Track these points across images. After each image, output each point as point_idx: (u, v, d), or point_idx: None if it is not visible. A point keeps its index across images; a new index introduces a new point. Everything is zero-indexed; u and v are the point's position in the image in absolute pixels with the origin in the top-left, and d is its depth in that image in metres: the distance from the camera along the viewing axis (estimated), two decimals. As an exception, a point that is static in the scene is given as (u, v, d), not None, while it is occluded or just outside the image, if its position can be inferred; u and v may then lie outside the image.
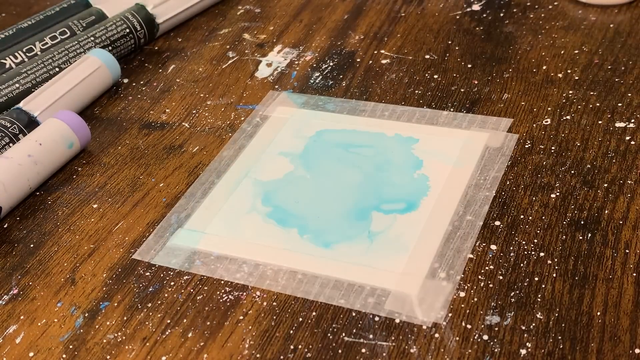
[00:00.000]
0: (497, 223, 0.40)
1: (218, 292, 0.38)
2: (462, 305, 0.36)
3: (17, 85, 0.51)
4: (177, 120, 0.50)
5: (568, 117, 0.46)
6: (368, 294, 0.37)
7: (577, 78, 0.49)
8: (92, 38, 0.54)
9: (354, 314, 0.36)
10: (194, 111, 0.51)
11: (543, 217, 0.40)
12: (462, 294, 0.36)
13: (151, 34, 0.58)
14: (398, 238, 0.40)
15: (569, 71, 0.50)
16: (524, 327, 0.34)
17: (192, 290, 0.38)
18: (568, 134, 0.45)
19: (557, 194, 0.41)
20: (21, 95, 0.51)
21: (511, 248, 0.38)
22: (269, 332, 0.36)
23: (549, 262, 0.37)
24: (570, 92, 0.48)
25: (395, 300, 0.36)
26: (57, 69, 0.52)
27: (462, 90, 0.49)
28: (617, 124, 0.45)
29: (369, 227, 0.40)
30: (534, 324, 0.34)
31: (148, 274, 0.39)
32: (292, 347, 0.35)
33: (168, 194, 0.44)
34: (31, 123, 0.48)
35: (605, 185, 0.41)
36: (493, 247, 0.38)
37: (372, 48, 0.55)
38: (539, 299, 0.35)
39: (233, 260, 0.39)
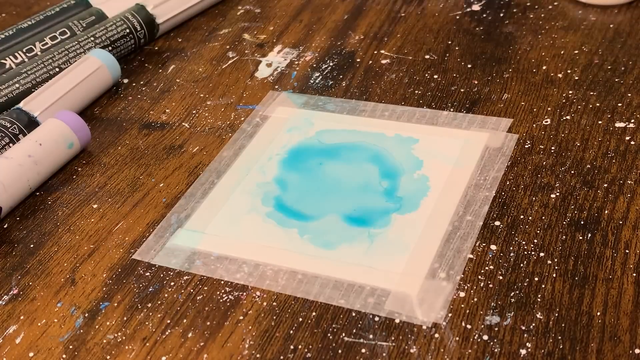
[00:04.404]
0: (497, 223, 0.40)
1: (218, 292, 0.38)
2: (462, 305, 0.36)
3: (17, 85, 0.51)
4: (177, 120, 0.50)
5: (568, 117, 0.46)
6: (368, 294, 0.37)
7: (577, 78, 0.49)
8: (92, 38, 0.54)
9: (354, 314, 0.36)
10: (194, 111, 0.51)
11: (543, 217, 0.40)
12: (462, 294, 0.36)
13: (151, 34, 0.58)
14: (398, 238, 0.40)
15: (569, 71, 0.50)
16: (524, 327, 0.34)
17: (192, 291, 0.38)
18: (568, 134, 0.45)
19: (557, 194, 0.41)
20: (21, 95, 0.51)
21: (511, 248, 0.38)
22: (269, 332, 0.36)
23: (549, 262, 0.37)
24: (570, 92, 0.48)
25: (395, 300, 0.36)
26: (57, 69, 0.52)
27: (462, 90, 0.49)
28: (617, 124, 0.45)
29: (369, 228, 0.40)
30: (534, 324, 0.34)
31: (148, 274, 0.39)
32: (292, 347, 0.35)
33: (168, 194, 0.44)
34: (31, 123, 0.48)
35: (605, 185, 0.41)
36: (493, 247, 0.38)
37: (372, 48, 0.55)
38: (539, 299, 0.36)
39: (233, 261, 0.39)
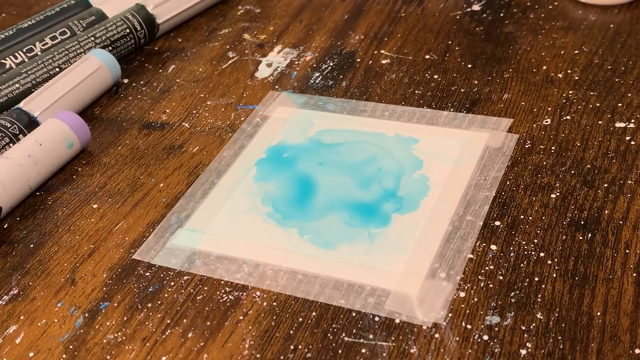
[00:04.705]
0: (497, 223, 0.40)
1: (218, 292, 0.38)
2: (462, 306, 0.36)
3: (17, 85, 0.51)
4: (177, 120, 0.50)
5: (568, 117, 0.46)
6: (368, 294, 0.37)
7: (577, 78, 0.49)
8: (92, 38, 0.54)
9: (354, 314, 0.36)
10: (194, 111, 0.51)
11: (543, 217, 0.40)
12: (462, 294, 0.36)
13: (151, 34, 0.58)
14: (398, 238, 0.40)
15: (569, 71, 0.50)
16: (524, 327, 0.34)
17: (192, 291, 0.38)
18: (568, 134, 0.45)
19: (557, 194, 0.41)
20: (21, 95, 0.51)
21: (511, 248, 0.38)
22: (269, 332, 0.36)
23: (549, 262, 0.37)
24: (570, 92, 0.48)
25: (395, 300, 0.36)
26: (57, 69, 0.52)
27: (462, 90, 0.49)
28: (617, 124, 0.45)
29: (369, 228, 0.40)
30: (534, 324, 0.34)
31: (148, 274, 0.39)
32: (292, 347, 0.35)
33: (168, 194, 0.44)
34: (31, 123, 0.48)
35: (605, 185, 0.41)
36: (493, 247, 0.38)
37: (372, 48, 0.55)
38: (539, 299, 0.36)
39: (233, 261, 0.39)
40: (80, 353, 0.36)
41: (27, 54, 0.54)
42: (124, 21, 0.56)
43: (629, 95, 0.47)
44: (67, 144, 0.47)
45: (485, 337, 0.34)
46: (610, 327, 0.34)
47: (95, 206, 0.44)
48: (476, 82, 0.50)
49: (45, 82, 0.52)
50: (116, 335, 0.36)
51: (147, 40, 0.58)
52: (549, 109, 0.47)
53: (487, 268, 0.37)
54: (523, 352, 0.33)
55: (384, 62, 0.53)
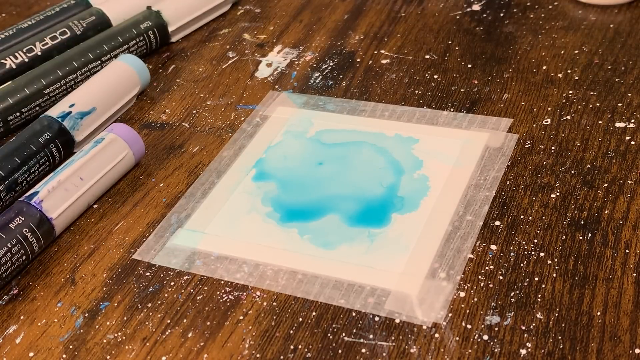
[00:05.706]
0: (497, 223, 0.40)
1: (218, 292, 0.38)
2: (462, 305, 0.36)
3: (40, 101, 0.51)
4: (177, 120, 0.50)
5: (568, 117, 0.46)
6: (368, 294, 0.37)
7: (577, 78, 0.49)
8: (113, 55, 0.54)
9: (354, 314, 0.36)
10: (194, 111, 0.51)
11: (543, 217, 0.40)
12: (462, 294, 0.36)
13: (160, 45, 0.58)
14: (398, 238, 0.40)
15: (569, 71, 0.50)
16: (524, 327, 0.34)
17: (192, 290, 0.38)
18: (568, 134, 0.45)
19: (557, 194, 0.41)
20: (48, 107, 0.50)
21: (511, 248, 0.38)
22: (269, 332, 0.36)
23: (549, 262, 0.37)
24: (570, 92, 0.48)
25: (395, 300, 0.36)
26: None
27: (462, 90, 0.49)
28: (617, 124, 0.45)
29: (369, 228, 0.40)
30: (534, 324, 0.34)
31: (148, 274, 0.39)
32: (292, 347, 0.35)
33: (168, 194, 0.44)
34: (70, 148, 0.47)
35: (605, 185, 0.41)
36: (493, 247, 0.38)
37: (372, 48, 0.55)
38: (539, 299, 0.36)
39: (233, 260, 0.39)
40: (80, 353, 0.36)
41: (27, 54, 0.54)
42: (145, 40, 0.56)
43: (629, 95, 0.47)
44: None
45: (485, 337, 0.34)
46: (610, 327, 0.34)
47: (95, 206, 0.44)
48: (476, 82, 0.50)
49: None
50: (116, 335, 0.36)
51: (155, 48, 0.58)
52: (549, 109, 0.47)
53: (487, 268, 0.37)
54: (523, 352, 0.33)
55: (384, 62, 0.53)
